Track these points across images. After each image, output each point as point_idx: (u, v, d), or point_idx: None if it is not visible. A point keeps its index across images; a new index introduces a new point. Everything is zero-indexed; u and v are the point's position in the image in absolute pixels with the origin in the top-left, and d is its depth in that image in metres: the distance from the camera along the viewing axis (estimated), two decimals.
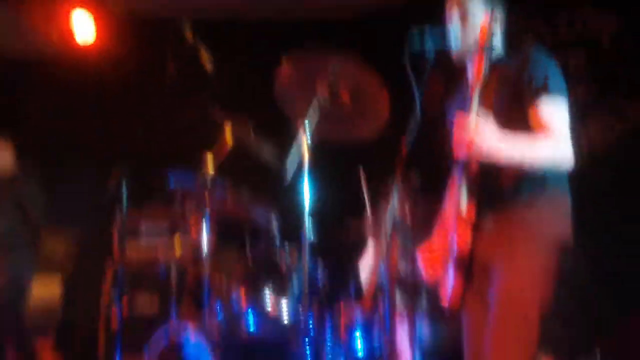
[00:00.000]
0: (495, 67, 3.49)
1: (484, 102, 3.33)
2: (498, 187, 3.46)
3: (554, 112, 3.39)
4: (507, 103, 3.43)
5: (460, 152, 3.27)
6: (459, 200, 3.46)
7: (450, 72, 3.75)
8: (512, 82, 3.47)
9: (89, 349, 7.03)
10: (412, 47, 3.44)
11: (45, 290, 7.19)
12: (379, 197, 4.75)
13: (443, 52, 3.62)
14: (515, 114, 3.41)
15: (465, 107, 3.47)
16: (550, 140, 3.35)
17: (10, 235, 6.07)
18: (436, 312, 3.86)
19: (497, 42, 3.59)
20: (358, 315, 4.67)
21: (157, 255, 5.59)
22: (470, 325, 3.66)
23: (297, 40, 5.86)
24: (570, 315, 5.61)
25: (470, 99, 3.27)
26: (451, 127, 3.33)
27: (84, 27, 7.09)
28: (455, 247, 3.46)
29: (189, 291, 6.57)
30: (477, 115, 3.24)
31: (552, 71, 3.47)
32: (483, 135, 3.22)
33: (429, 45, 3.50)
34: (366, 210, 5.40)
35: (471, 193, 3.44)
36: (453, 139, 3.26)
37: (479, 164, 3.38)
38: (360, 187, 5.41)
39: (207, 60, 4.94)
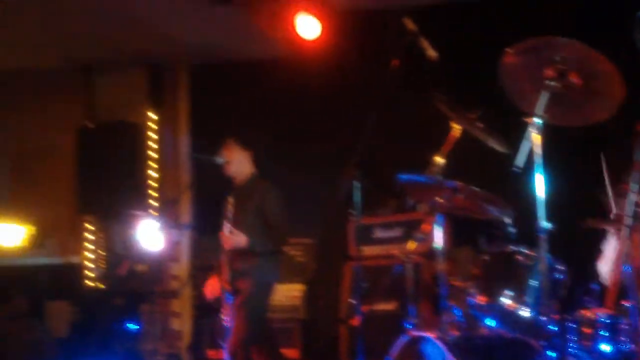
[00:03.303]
0: None
1: None
2: None
3: None
4: None
5: None
6: None
7: None
8: None
9: (331, 347, 7.13)
10: None
11: (288, 297, 7.36)
12: (619, 185, 4.42)
13: None
14: None
15: None
16: None
17: (255, 241, 6.14)
18: None
19: None
20: (602, 314, 4.34)
21: (392, 255, 5.49)
22: None
23: (520, 24, 5.61)
24: None
25: None
26: None
27: (308, 25, 7.17)
28: None
29: (425, 290, 6.49)
30: None
31: None
32: None
33: None
34: (606, 201, 5.06)
35: None
36: None
37: None
38: (600, 176, 5.07)
39: (429, 50, 4.78)
